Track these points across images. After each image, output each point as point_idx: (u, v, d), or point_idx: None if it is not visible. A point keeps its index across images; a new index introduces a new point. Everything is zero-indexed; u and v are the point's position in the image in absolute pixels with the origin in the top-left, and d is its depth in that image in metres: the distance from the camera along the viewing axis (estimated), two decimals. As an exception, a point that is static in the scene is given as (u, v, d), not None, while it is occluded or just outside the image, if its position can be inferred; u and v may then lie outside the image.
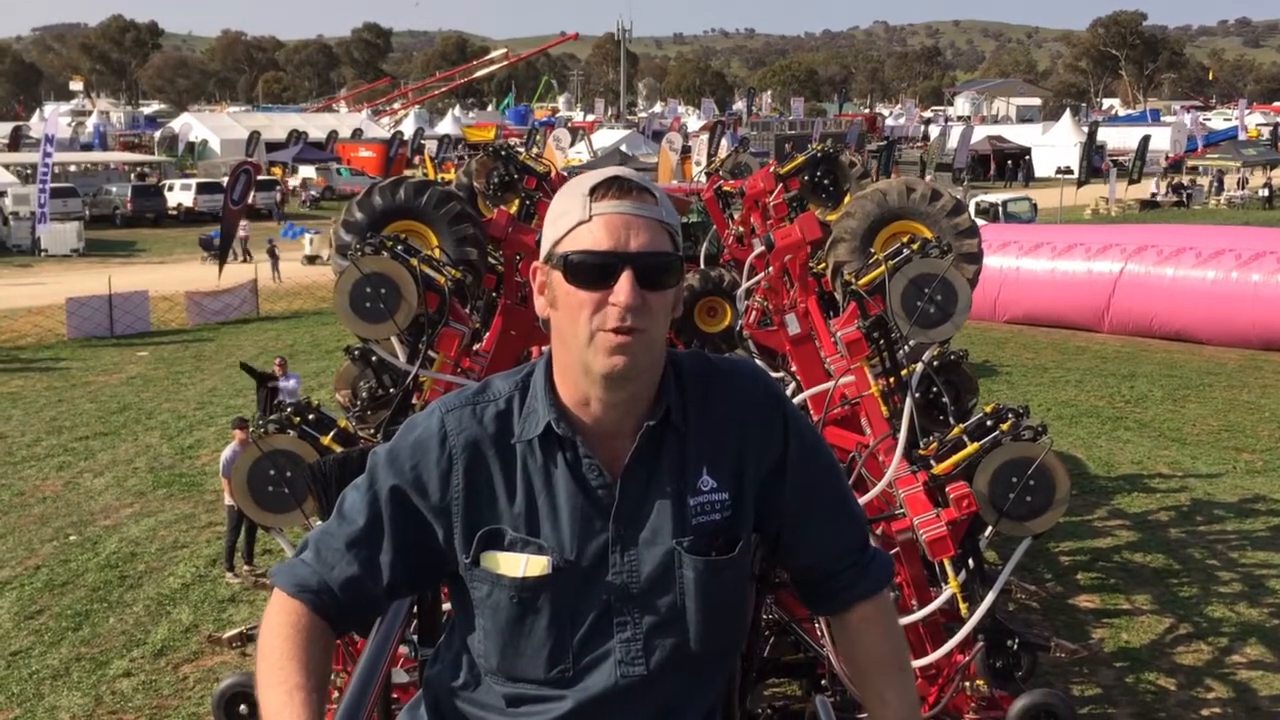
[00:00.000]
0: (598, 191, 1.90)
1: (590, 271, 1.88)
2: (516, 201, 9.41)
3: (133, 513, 12.61)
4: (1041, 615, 9.58)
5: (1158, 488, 13.17)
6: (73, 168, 50.41)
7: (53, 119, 41.29)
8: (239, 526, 10.74)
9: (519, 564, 1.96)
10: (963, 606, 5.79)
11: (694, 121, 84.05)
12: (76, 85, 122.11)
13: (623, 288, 1.86)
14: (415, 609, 2.36)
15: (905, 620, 6.02)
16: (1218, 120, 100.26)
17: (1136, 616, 9.70)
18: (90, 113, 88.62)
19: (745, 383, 2.05)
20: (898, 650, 2.11)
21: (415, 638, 2.37)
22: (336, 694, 2.68)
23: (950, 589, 5.83)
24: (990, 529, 5.98)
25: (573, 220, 1.91)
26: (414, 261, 6.52)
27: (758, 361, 7.45)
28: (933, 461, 6.04)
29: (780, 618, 6.59)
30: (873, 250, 7.12)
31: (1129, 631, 9.39)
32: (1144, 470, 13.78)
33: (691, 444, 1.99)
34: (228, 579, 10.68)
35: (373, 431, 6.41)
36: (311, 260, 33.12)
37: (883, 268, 6.43)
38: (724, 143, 46.40)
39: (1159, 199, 49.95)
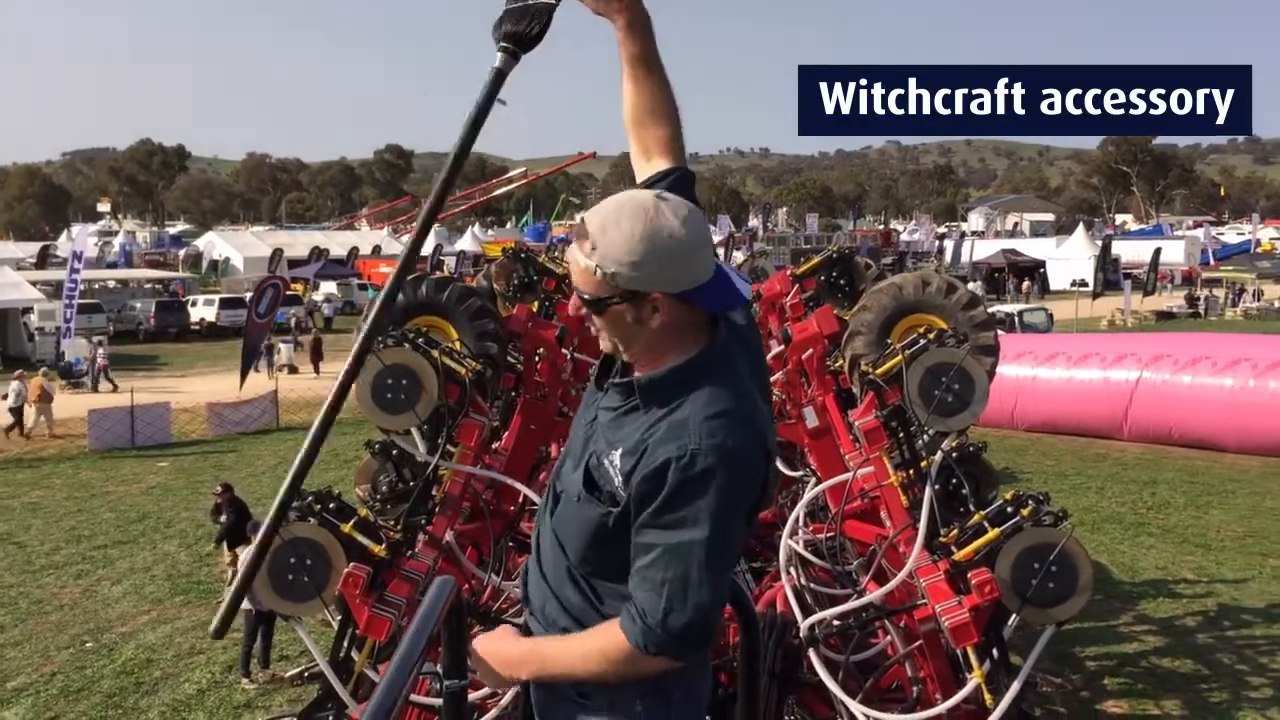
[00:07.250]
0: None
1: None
2: (536, 303, 9.50)
3: (149, 619, 12.56)
4: None
5: (1183, 593, 13.00)
6: (98, 285, 51.16)
7: (80, 238, 42.00)
8: (255, 632, 10.69)
9: None
10: (988, 697, 5.70)
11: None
12: (104, 206, 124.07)
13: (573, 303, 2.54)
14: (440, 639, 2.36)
15: (931, 713, 5.94)
16: (1231, 235, 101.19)
17: (1166, 721, 9.52)
18: (117, 233, 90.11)
19: (674, 431, 2.35)
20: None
21: (439, 669, 2.37)
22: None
23: (975, 679, 5.75)
24: (1014, 618, 5.91)
25: None
26: (435, 353, 6.60)
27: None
28: (953, 549, 6.00)
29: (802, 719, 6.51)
30: (889, 341, 7.19)
31: (1159, 736, 9.21)
32: (1169, 575, 13.61)
33: (627, 429, 2.43)
34: (243, 685, 10.59)
35: (392, 523, 6.41)
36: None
37: (899, 357, 6.48)
38: (736, 255, 47.03)
39: (1175, 311, 50.21)
